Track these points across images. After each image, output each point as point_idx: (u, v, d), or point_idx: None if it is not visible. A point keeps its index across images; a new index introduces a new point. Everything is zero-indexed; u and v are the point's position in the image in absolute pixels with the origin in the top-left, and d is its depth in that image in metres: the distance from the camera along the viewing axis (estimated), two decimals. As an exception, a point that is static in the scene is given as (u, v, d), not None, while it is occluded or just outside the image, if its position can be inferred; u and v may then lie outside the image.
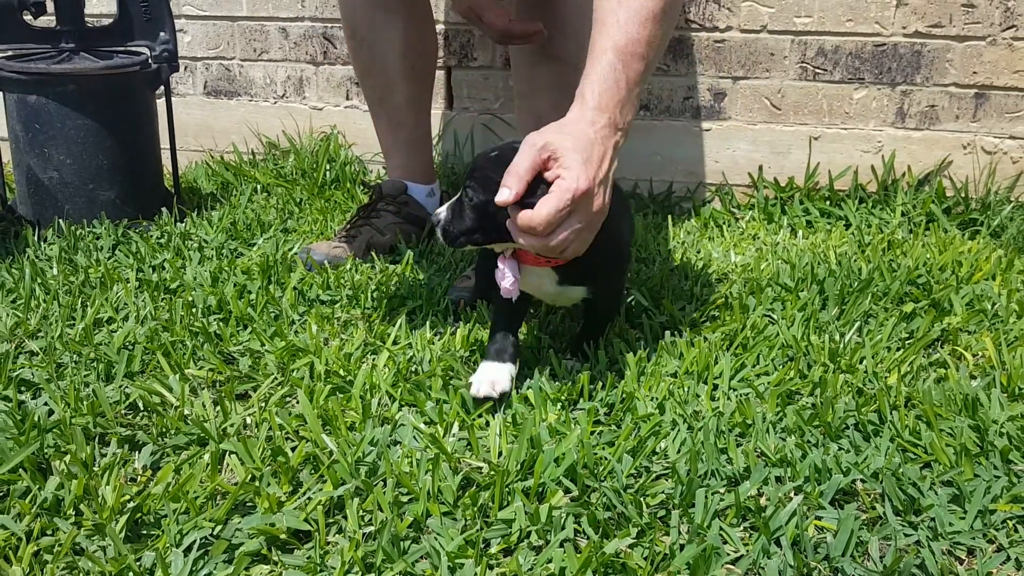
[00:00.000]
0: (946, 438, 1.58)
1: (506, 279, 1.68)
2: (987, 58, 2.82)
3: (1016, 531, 1.38)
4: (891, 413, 1.65)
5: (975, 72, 2.84)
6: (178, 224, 2.71)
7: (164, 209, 2.78)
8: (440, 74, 3.16)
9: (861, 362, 1.86)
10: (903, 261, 2.41)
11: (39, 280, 2.24)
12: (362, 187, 3.07)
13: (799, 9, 2.87)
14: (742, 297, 2.16)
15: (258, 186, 3.12)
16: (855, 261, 2.42)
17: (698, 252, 2.57)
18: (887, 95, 2.90)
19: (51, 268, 2.35)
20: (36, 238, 2.57)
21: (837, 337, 1.96)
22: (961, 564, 1.33)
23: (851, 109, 2.94)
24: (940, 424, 1.62)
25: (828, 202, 2.94)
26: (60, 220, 2.67)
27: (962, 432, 1.57)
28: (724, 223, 2.87)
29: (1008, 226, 2.72)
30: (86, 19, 2.81)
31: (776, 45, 2.92)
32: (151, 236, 2.59)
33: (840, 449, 1.55)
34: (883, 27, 2.85)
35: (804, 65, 2.92)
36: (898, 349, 1.94)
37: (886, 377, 1.80)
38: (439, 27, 3.12)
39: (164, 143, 2.94)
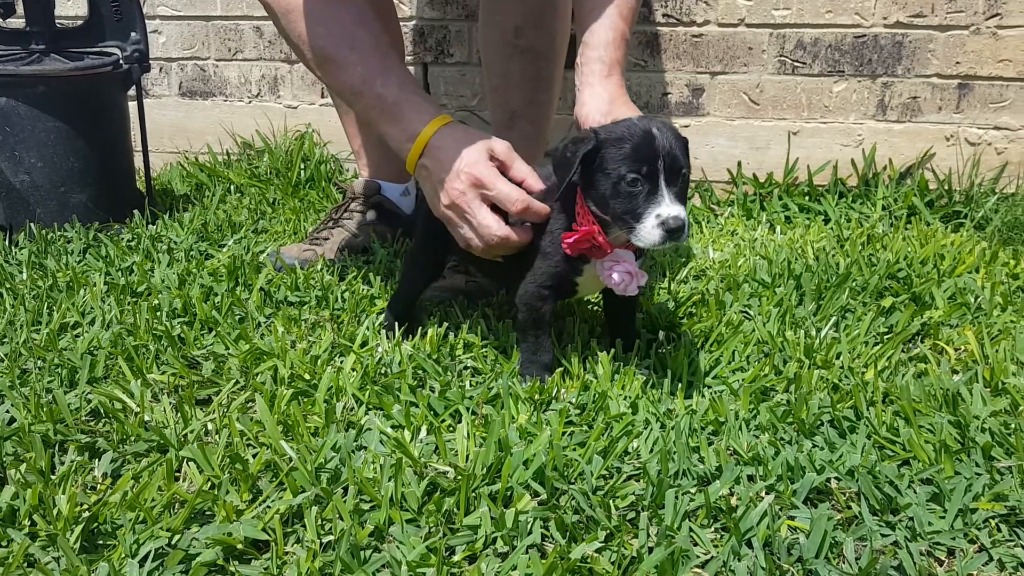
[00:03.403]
0: (925, 434, 1.55)
1: (625, 271, 1.67)
2: (970, 47, 2.79)
3: (999, 531, 1.35)
4: (868, 409, 1.62)
5: (958, 62, 2.81)
6: (149, 226, 2.67)
7: (136, 211, 2.73)
8: (417, 71, 3.12)
9: (837, 357, 1.83)
10: (883, 255, 2.37)
11: (7, 285, 2.21)
12: (336, 187, 3.03)
13: (777, 1, 2.84)
14: (719, 293, 2.13)
15: (231, 186, 3.08)
16: (833, 256, 2.39)
17: (677, 249, 2.54)
18: (867, 87, 2.87)
19: (20, 272, 2.31)
20: (7, 242, 2.52)
21: (813, 332, 1.93)
22: (941, 565, 1.30)
23: (831, 103, 2.90)
24: (919, 420, 1.58)
25: (807, 197, 2.91)
26: (32, 224, 2.63)
27: (942, 428, 1.54)
28: (703, 219, 2.84)
29: (992, 218, 2.69)
30: (56, 20, 2.77)
31: (754, 39, 2.89)
32: (122, 239, 2.55)
33: (814, 447, 1.52)
34: (863, 18, 2.82)
35: (783, 59, 2.89)
36: (876, 344, 1.91)
37: (863, 372, 1.77)
38: (414, 23, 3.09)
39: (137, 145, 2.90)
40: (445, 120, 1.76)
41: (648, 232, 1.54)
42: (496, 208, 1.70)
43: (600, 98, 1.80)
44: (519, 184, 1.72)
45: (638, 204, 1.55)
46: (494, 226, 1.68)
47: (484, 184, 1.68)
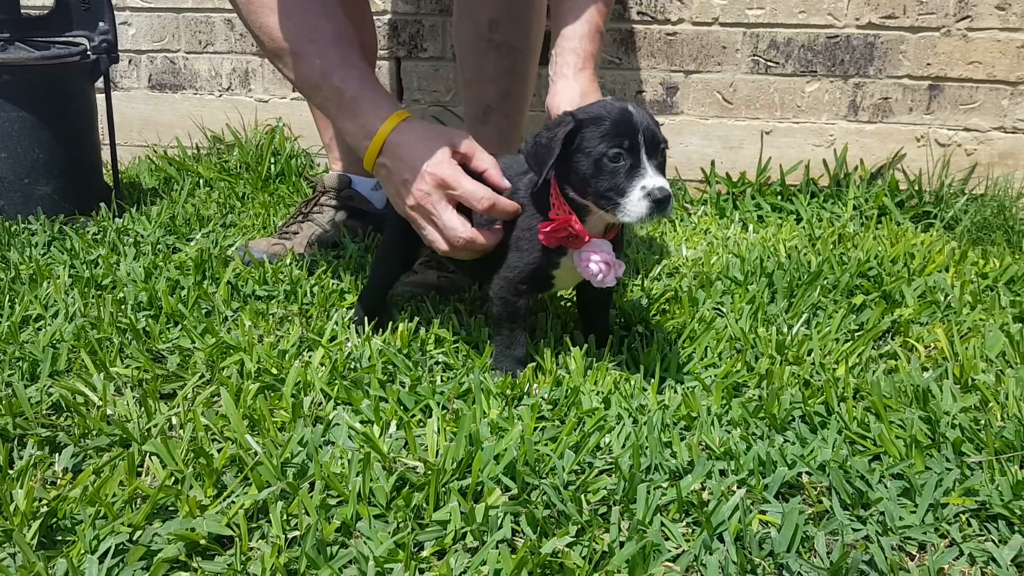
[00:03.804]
0: (896, 430, 1.54)
1: (603, 260, 1.64)
2: (941, 49, 2.81)
3: (969, 525, 1.34)
4: (839, 405, 1.61)
5: (929, 64, 2.83)
6: (116, 219, 2.62)
7: (102, 204, 2.69)
8: (390, 65, 3.10)
9: (809, 354, 1.83)
10: (854, 254, 2.38)
11: (-33, 278, 2.16)
12: (307, 181, 3.00)
13: (751, 0, 2.84)
14: (692, 290, 2.13)
15: (200, 180, 3.03)
16: (805, 254, 2.40)
17: (650, 247, 2.53)
18: (840, 88, 2.89)
19: (-19, 266, 2.26)
20: (-32, 235, 2.47)
21: (785, 329, 1.93)
22: (912, 560, 1.29)
23: (803, 103, 2.91)
24: (890, 416, 1.58)
25: (780, 196, 2.92)
26: (-6, 216, 2.59)
27: (913, 424, 1.54)
28: (677, 218, 2.84)
29: (962, 218, 2.71)
30: (22, 9, 2.72)
31: (728, 38, 2.89)
32: (87, 232, 2.50)
33: (786, 441, 1.52)
34: (836, 18, 2.83)
35: (756, 58, 2.89)
36: (847, 341, 1.91)
37: (834, 369, 1.77)
38: (387, 17, 3.06)
39: (105, 137, 2.85)
40: (403, 116, 1.73)
41: (635, 205, 1.53)
42: (462, 208, 1.68)
43: (573, 91, 1.80)
44: (480, 175, 1.69)
45: (621, 179, 1.54)
46: (460, 228, 1.66)
47: (449, 184, 1.65)
